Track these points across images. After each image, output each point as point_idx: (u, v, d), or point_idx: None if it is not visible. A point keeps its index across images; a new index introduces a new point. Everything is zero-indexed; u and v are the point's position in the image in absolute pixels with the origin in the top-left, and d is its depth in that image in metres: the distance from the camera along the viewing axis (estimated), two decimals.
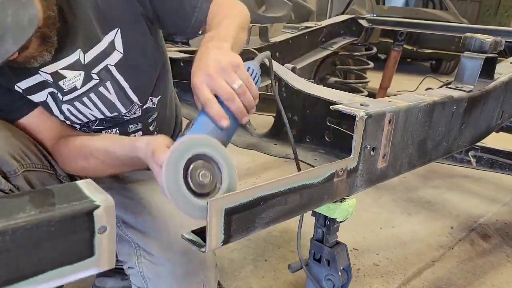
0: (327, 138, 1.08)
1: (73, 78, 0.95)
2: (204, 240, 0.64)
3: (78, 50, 0.93)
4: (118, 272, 1.33)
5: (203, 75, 0.75)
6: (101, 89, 0.97)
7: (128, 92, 1.00)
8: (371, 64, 2.81)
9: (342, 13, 4.09)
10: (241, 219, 0.66)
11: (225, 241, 0.65)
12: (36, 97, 0.96)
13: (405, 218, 2.11)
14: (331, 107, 0.85)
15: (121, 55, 0.96)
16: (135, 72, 0.99)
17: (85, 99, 0.97)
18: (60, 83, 0.94)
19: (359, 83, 2.94)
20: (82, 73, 0.94)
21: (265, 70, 1.33)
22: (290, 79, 1.14)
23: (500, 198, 2.40)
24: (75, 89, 0.95)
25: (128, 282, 1.29)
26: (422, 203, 2.29)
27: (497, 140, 1.94)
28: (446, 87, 1.16)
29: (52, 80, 0.94)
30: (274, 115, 1.25)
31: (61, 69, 0.93)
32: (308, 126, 1.10)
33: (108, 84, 0.97)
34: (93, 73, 0.95)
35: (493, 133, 1.41)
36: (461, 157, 2.01)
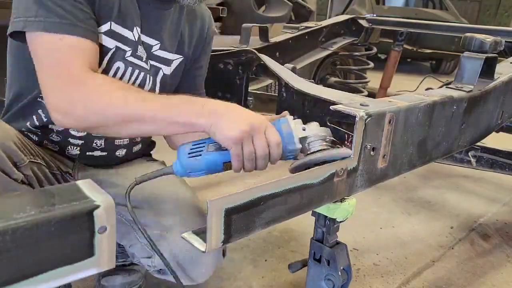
0: None
1: (142, 52, 1.04)
2: (204, 240, 0.64)
3: (158, 42, 1.07)
4: (123, 269, 1.37)
5: (240, 131, 0.79)
6: (147, 77, 1.07)
7: None
8: (371, 64, 2.81)
9: (342, 13, 4.09)
10: (241, 219, 0.66)
11: (225, 241, 0.65)
12: (108, 42, 0.97)
13: (405, 218, 2.11)
14: (331, 107, 0.85)
15: (169, 73, 1.13)
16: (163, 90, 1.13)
17: (135, 71, 1.04)
18: (139, 47, 1.02)
19: (359, 83, 2.94)
20: (145, 55, 1.05)
21: (265, 70, 1.33)
22: (290, 79, 1.14)
23: (500, 198, 2.40)
24: (140, 58, 1.04)
25: (136, 275, 1.31)
26: (422, 203, 2.29)
27: (497, 140, 1.94)
28: (446, 87, 1.16)
29: (135, 40, 1.01)
30: (274, 115, 1.25)
31: (142, 40, 1.03)
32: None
33: (150, 80, 1.09)
34: (149, 62, 1.07)
35: (493, 133, 1.41)
36: (461, 157, 2.01)
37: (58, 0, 0.85)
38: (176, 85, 1.19)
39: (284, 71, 1.19)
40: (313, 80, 3.05)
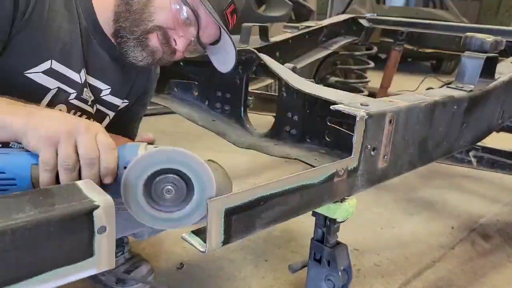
0: (327, 138, 1.08)
1: (89, 95, 1.00)
2: (204, 241, 0.63)
3: (109, 88, 1.05)
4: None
5: (56, 129, 0.63)
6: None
7: None
8: (372, 64, 2.81)
9: (343, 13, 4.09)
10: (241, 219, 0.66)
11: (225, 242, 0.65)
12: (48, 82, 0.89)
13: (405, 218, 2.11)
14: (331, 107, 0.85)
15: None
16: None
17: (77, 114, 0.99)
18: (84, 89, 0.98)
19: (359, 82, 2.94)
20: (92, 99, 1.02)
21: (265, 70, 1.33)
22: (290, 79, 1.14)
23: (501, 198, 2.39)
24: (85, 101, 1.00)
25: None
26: (422, 203, 2.28)
27: (497, 140, 1.94)
28: (447, 86, 1.16)
29: (81, 82, 0.97)
30: (274, 115, 1.25)
31: (89, 83, 1.00)
32: (308, 126, 1.10)
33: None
34: (96, 106, 1.05)
35: (494, 133, 1.40)
36: (462, 157, 2.01)
37: None
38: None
39: (284, 71, 1.19)
40: (313, 80, 3.04)
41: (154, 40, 0.93)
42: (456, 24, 3.66)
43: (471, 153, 1.99)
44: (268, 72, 1.25)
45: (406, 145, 0.95)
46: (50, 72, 0.89)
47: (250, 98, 1.38)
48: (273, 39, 2.05)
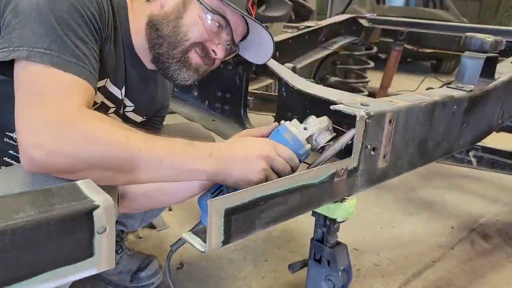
0: None
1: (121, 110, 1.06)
2: (204, 241, 0.64)
3: (133, 106, 1.08)
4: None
5: (260, 171, 0.78)
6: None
7: None
8: (372, 64, 2.81)
9: (342, 13, 4.08)
10: (241, 219, 0.66)
11: (225, 241, 0.65)
12: (97, 96, 0.93)
13: (405, 218, 2.11)
14: (331, 107, 0.85)
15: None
16: None
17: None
18: (122, 105, 1.04)
19: (359, 82, 2.94)
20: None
21: (265, 70, 1.33)
22: (290, 79, 1.14)
23: (500, 198, 2.39)
24: (120, 116, 1.06)
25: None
26: (422, 203, 2.28)
27: (497, 140, 1.94)
28: (447, 86, 1.16)
29: (121, 98, 1.02)
30: (274, 115, 1.25)
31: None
32: None
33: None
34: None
35: (494, 132, 1.41)
36: (462, 157, 2.01)
37: (75, 39, 0.77)
38: None
39: (284, 71, 1.19)
40: (313, 80, 3.04)
41: (195, 57, 0.95)
42: (456, 24, 3.67)
43: (471, 153, 1.99)
44: (268, 72, 1.25)
45: (406, 145, 0.95)
46: (102, 89, 0.94)
47: (250, 98, 1.39)
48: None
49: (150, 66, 1.01)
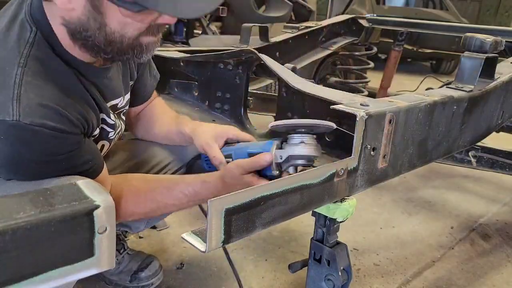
0: (327, 138, 1.08)
1: (118, 123, 1.02)
2: (205, 240, 0.64)
3: (121, 97, 1.02)
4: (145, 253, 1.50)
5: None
6: (121, 128, 1.08)
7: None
8: (371, 64, 2.81)
9: (342, 13, 4.09)
10: (241, 219, 0.66)
11: (225, 241, 0.65)
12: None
13: (405, 218, 2.11)
14: (331, 107, 0.85)
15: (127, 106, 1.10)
16: None
17: (115, 139, 1.06)
18: (116, 126, 1.01)
19: (359, 83, 2.94)
20: (117, 118, 1.02)
21: (265, 70, 1.33)
22: (290, 79, 1.14)
23: (500, 198, 2.40)
24: (118, 129, 1.03)
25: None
26: (422, 203, 2.28)
27: (497, 140, 1.94)
28: (447, 87, 1.16)
29: (114, 121, 0.99)
30: (274, 115, 1.25)
31: (116, 113, 1.02)
32: None
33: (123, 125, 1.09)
34: (121, 119, 1.06)
35: (494, 133, 1.41)
36: (462, 157, 2.01)
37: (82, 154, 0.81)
38: None
39: (284, 71, 1.19)
40: (313, 80, 3.05)
41: (147, 40, 0.83)
42: (456, 24, 3.67)
43: (471, 153, 1.99)
44: (268, 72, 1.25)
45: (406, 145, 0.95)
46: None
47: (250, 98, 1.39)
48: (273, 39, 2.05)
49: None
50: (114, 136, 1.02)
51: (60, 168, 0.76)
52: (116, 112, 1.03)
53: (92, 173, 0.82)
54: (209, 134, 1.05)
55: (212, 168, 1.03)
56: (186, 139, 1.12)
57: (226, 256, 1.08)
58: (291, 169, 0.86)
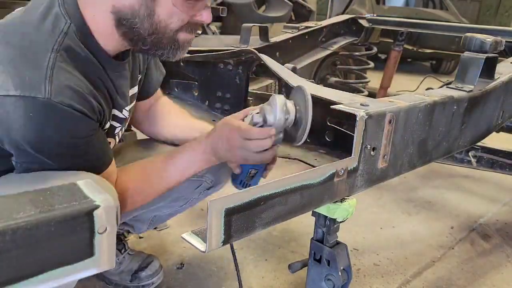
0: (327, 138, 1.08)
1: (128, 112, 1.03)
2: (205, 240, 0.64)
3: (132, 86, 1.05)
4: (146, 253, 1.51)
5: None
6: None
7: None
8: (371, 64, 2.81)
9: (342, 13, 4.09)
10: (241, 219, 0.66)
11: (225, 241, 0.65)
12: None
13: (405, 218, 2.11)
14: (331, 107, 0.85)
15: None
16: None
17: (120, 136, 1.07)
18: (127, 122, 1.05)
19: (359, 83, 2.94)
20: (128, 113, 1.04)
21: (265, 70, 1.33)
22: (290, 79, 1.14)
23: (500, 198, 2.40)
24: (125, 125, 1.05)
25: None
26: (422, 203, 2.28)
27: (497, 140, 1.94)
28: (447, 87, 1.16)
29: (126, 117, 1.01)
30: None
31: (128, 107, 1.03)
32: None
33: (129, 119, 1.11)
34: (129, 109, 1.06)
35: (494, 133, 1.41)
36: (462, 157, 2.01)
37: (98, 146, 0.87)
38: None
39: (284, 71, 1.19)
40: (313, 80, 3.05)
41: (184, 37, 0.90)
42: (456, 24, 3.67)
43: (471, 153, 1.99)
44: (268, 72, 1.25)
45: (406, 145, 0.95)
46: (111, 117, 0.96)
47: (250, 98, 1.39)
48: (273, 39, 2.05)
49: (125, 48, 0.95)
50: (119, 131, 1.03)
51: (77, 153, 0.81)
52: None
53: (102, 165, 0.87)
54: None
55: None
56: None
57: (233, 257, 1.10)
58: (257, 116, 0.90)
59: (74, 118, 0.77)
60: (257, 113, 0.91)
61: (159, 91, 1.23)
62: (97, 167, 0.85)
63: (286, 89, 1.17)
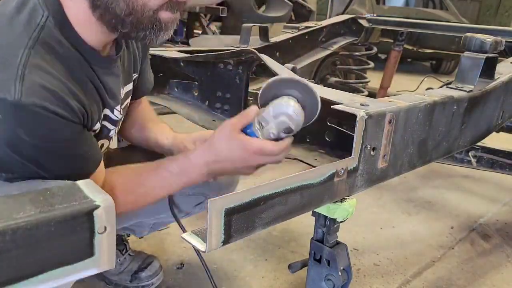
0: (327, 138, 1.08)
1: (120, 116, 0.99)
2: (205, 240, 0.64)
3: (121, 87, 0.98)
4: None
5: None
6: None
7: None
8: (372, 64, 2.81)
9: (342, 13, 4.09)
10: (241, 219, 0.66)
11: (225, 241, 0.65)
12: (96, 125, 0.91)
13: (405, 218, 2.11)
14: (331, 107, 0.85)
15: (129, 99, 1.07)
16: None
17: (114, 135, 1.02)
18: (118, 123, 0.99)
19: (359, 83, 2.94)
20: (120, 105, 0.98)
21: (265, 70, 1.33)
22: None
23: (500, 198, 2.40)
24: (118, 125, 1.00)
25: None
26: (422, 203, 2.28)
27: (497, 140, 1.94)
28: (447, 87, 1.16)
29: (118, 118, 0.97)
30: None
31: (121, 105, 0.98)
32: (308, 126, 1.10)
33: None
34: (122, 107, 1.01)
35: (494, 133, 1.41)
36: (462, 157, 2.01)
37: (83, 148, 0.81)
38: None
39: (284, 71, 1.19)
40: (313, 80, 3.05)
41: (165, 16, 0.82)
42: (456, 24, 3.67)
43: (471, 153, 1.99)
44: (268, 72, 1.25)
45: (406, 145, 0.95)
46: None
47: (250, 98, 1.39)
48: (273, 39, 2.05)
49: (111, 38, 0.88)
50: (113, 132, 0.99)
51: (59, 156, 0.75)
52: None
53: (90, 168, 0.81)
54: (188, 137, 1.08)
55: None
56: (165, 150, 1.13)
57: (201, 261, 1.09)
58: (273, 128, 0.82)
59: (47, 120, 0.70)
60: (262, 123, 0.83)
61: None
62: (84, 169, 0.80)
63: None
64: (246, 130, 0.85)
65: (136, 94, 1.12)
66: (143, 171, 0.93)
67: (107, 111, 0.92)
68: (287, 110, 0.80)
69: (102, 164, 0.87)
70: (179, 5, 0.83)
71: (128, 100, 1.06)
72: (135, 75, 1.07)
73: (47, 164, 0.74)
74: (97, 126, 0.88)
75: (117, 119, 0.96)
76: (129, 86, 1.04)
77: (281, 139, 0.83)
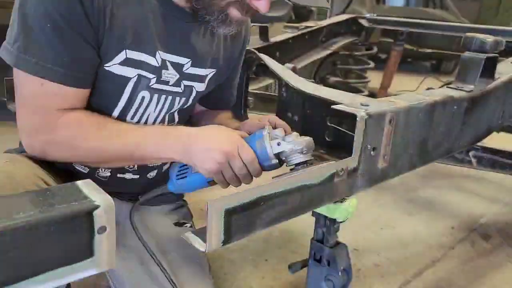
0: (327, 138, 1.08)
1: (171, 75, 0.98)
2: (204, 241, 0.63)
3: (189, 60, 1.00)
4: None
5: (215, 163, 0.83)
6: (176, 99, 1.03)
7: (175, 115, 1.08)
8: (372, 64, 2.81)
9: (342, 13, 4.09)
10: (241, 219, 0.66)
11: (225, 242, 0.65)
12: (127, 71, 0.91)
13: (405, 218, 2.11)
14: (331, 107, 0.85)
15: (203, 90, 1.08)
16: (191, 107, 1.12)
17: (162, 97, 0.99)
18: (163, 71, 0.96)
19: (359, 82, 2.94)
20: (178, 76, 1.00)
21: (265, 70, 1.33)
22: (290, 79, 1.14)
23: (501, 198, 2.40)
24: (167, 83, 0.98)
25: None
26: (422, 203, 2.28)
27: (497, 140, 1.94)
28: (447, 87, 1.16)
29: (159, 65, 0.94)
30: (274, 115, 1.25)
31: (169, 61, 0.96)
32: (308, 126, 1.10)
33: (181, 100, 1.04)
34: (182, 83, 1.02)
35: (494, 133, 1.40)
36: (462, 157, 2.01)
37: (54, 38, 0.80)
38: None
39: (284, 71, 1.19)
40: (313, 80, 3.05)
41: (235, 14, 0.89)
42: (456, 24, 3.66)
43: (471, 153, 1.99)
44: (268, 72, 1.25)
45: (406, 145, 0.95)
46: (126, 62, 0.90)
47: (250, 98, 1.39)
48: (273, 39, 2.05)
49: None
50: (159, 86, 0.97)
51: (55, 38, 0.79)
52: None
53: (46, 68, 0.80)
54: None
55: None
56: None
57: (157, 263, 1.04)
58: (293, 158, 0.83)
59: None
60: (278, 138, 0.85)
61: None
62: (40, 64, 0.80)
63: (286, 89, 1.16)
64: (245, 138, 0.86)
65: (210, 101, 1.17)
66: (108, 121, 0.91)
67: (142, 56, 0.90)
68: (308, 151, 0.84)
69: (84, 95, 0.88)
70: (250, 9, 0.89)
71: (192, 82, 1.04)
72: (211, 71, 1.07)
73: (42, 40, 0.79)
74: (111, 63, 0.88)
75: (158, 66, 0.94)
76: (196, 70, 1.03)
77: (275, 163, 0.85)
